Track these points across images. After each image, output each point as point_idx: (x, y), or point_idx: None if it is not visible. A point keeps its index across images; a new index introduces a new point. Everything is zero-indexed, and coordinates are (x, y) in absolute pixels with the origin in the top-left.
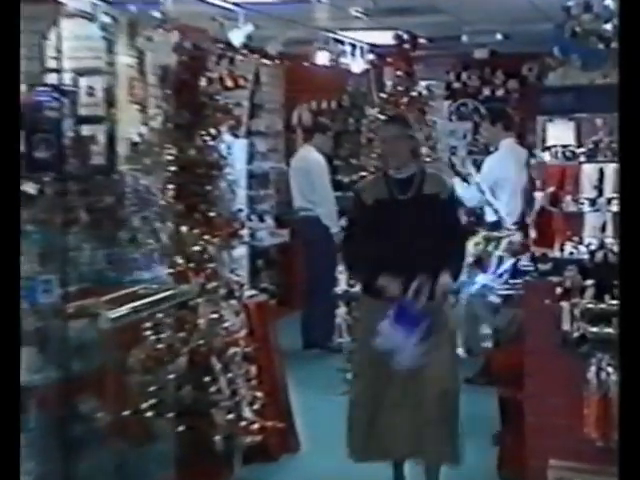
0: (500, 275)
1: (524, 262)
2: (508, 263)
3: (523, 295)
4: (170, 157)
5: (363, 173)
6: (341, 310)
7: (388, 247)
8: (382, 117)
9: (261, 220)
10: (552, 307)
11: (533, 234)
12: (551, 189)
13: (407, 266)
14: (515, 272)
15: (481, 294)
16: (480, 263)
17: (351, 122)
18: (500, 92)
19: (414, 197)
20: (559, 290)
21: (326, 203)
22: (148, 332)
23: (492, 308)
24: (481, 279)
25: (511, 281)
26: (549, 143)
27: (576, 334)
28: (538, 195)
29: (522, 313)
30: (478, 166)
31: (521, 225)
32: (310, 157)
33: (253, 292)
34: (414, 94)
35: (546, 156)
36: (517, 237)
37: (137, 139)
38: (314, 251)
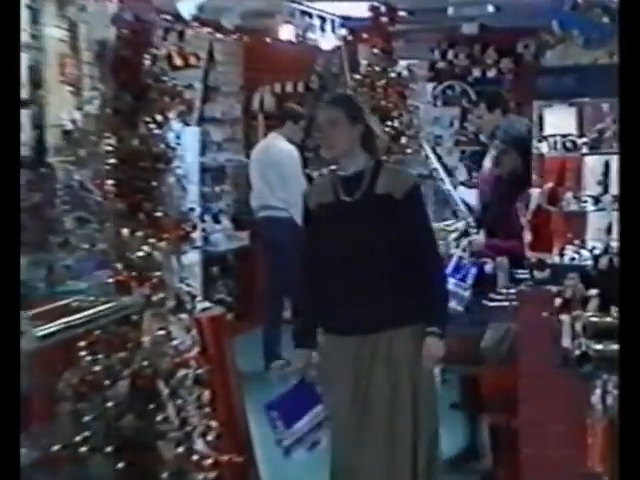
0: (463, 278)
1: (520, 270)
2: (473, 267)
3: (517, 307)
4: (109, 148)
5: (335, 166)
6: None
7: (331, 268)
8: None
9: (216, 221)
10: (550, 321)
11: (528, 237)
12: (549, 185)
13: (354, 300)
14: (481, 278)
15: None
16: None
17: None
18: (492, 73)
19: (362, 199)
20: (558, 301)
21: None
22: (83, 352)
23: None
24: None
25: (504, 290)
26: (547, 132)
27: (578, 352)
28: (534, 192)
29: (516, 328)
30: (469, 159)
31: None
32: (280, 147)
33: (207, 304)
34: (393, 75)
35: (543, 147)
36: (479, 236)
37: (69, 126)
38: (281, 257)
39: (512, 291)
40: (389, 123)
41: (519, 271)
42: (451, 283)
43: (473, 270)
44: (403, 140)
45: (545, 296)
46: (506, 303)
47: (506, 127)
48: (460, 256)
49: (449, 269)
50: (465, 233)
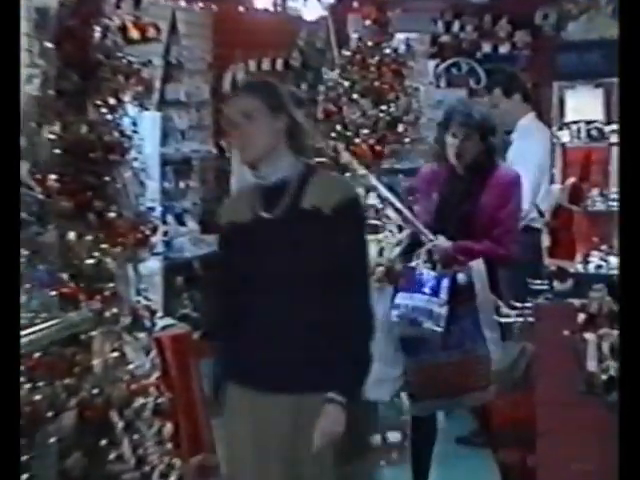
0: (434, 293)
1: (535, 279)
2: (444, 278)
3: (533, 323)
4: (52, 136)
5: (320, 159)
6: None
7: (245, 302)
8: (345, 83)
9: (180, 223)
10: (573, 340)
11: (547, 241)
12: (571, 180)
13: (268, 350)
14: (456, 289)
15: (412, 320)
16: (391, 276)
17: (303, 89)
18: (504, 48)
19: (284, 216)
20: (582, 317)
21: None
22: (21, 378)
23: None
24: (403, 299)
25: (519, 304)
26: (569, 118)
27: (605, 376)
28: (554, 189)
29: (532, 348)
30: None
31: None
32: None
33: (169, 321)
34: (388, 51)
35: (564, 136)
36: (443, 243)
37: None
38: None
39: (528, 305)
40: (383, 108)
41: (536, 282)
42: (422, 301)
43: (445, 282)
44: (400, 128)
45: (566, 311)
46: (520, 319)
47: (464, 108)
48: (420, 268)
49: (412, 285)
50: (418, 243)
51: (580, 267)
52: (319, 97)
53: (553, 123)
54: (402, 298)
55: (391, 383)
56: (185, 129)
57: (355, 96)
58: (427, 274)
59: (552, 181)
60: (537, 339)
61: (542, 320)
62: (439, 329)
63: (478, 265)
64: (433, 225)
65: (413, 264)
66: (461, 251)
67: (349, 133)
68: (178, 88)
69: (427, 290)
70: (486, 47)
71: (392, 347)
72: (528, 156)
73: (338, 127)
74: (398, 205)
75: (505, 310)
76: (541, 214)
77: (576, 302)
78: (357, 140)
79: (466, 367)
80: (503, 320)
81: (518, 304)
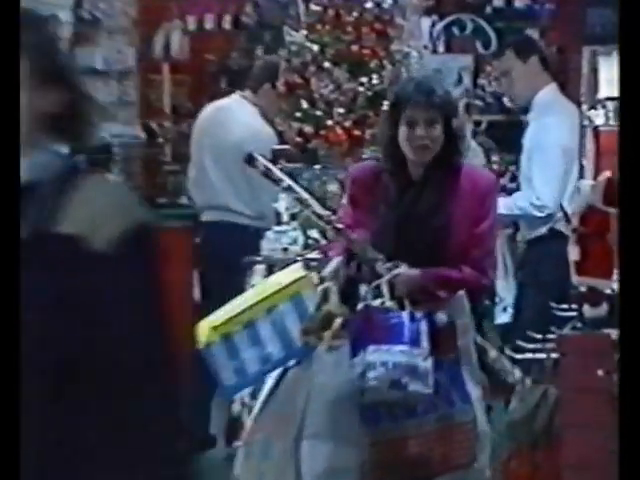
0: (414, 342)
1: (560, 303)
2: (421, 321)
3: (558, 360)
4: None
5: (283, 146)
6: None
7: None
8: (314, 47)
9: None
10: (608, 382)
11: (575, 253)
12: (606, 174)
13: None
14: (434, 335)
15: (393, 382)
16: (349, 325)
17: (259, 54)
18: (520, 2)
19: (27, 241)
20: None
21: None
22: None
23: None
24: (377, 354)
25: (539, 336)
26: (603, 93)
27: None
28: (584, 185)
29: (556, 393)
30: (488, 134)
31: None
32: (248, 125)
33: None
34: (369, 5)
35: (597, 116)
36: (409, 272)
37: None
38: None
39: (551, 336)
40: (363, 79)
41: (561, 306)
42: (402, 354)
43: (423, 325)
44: (385, 106)
45: (600, 344)
46: (541, 355)
47: (423, 82)
48: (387, 307)
49: (384, 333)
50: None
51: (617, 287)
52: (280, 65)
53: (583, 100)
54: (375, 353)
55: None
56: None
57: (326, 64)
58: (399, 316)
59: (581, 175)
60: (563, 381)
61: (569, 356)
62: (428, 391)
63: (460, 300)
64: (383, 248)
65: (376, 303)
66: (435, 282)
67: (319, 112)
68: (93, 52)
69: (405, 339)
70: (496, 0)
71: (353, 420)
72: (549, 140)
73: (305, 104)
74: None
75: (521, 343)
76: (567, 218)
77: (612, 333)
78: (329, 122)
79: (442, 438)
80: (519, 357)
81: (538, 336)
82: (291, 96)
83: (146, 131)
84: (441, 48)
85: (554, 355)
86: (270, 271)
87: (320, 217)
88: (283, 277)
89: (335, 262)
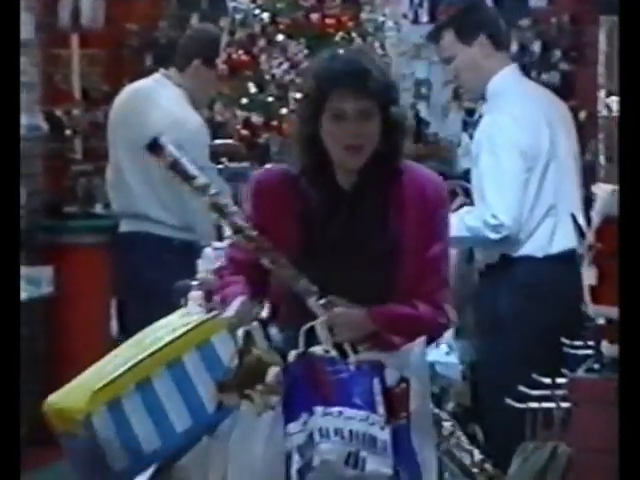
0: (368, 405)
1: (572, 339)
2: (374, 378)
3: (570, 410)
4: None
5: (225, 141)
6: None
7: None
8: (264, 15)
9: None
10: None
11: (590, 276)
12: None
13: None
14: (386, 391)
15: (350, 458)
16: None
17: (195, 24)
18: None
19: None
20: None
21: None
22: None
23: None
24: (329, 419)
25: (546, 380)
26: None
27: None
28: (602, 190)
29: (568, 451)
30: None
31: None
32: (175, 114)
33: None
34: None
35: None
36: (351, 312)
37: None
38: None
39: (561, 381)
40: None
41: (574, 343)
42: (359, 421)
43: (375, 383)
44: (302, 93)
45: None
46: (549, 404)
47: (352, 59)
48: (332, 357)
49: (332, 392)
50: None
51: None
52: (221, 38)
53: (601, 83)
54: (326, 417)
55: None
56: None
57: (280, 37)
58: (347, 369)
59: (595, 179)
60: (575, 435)
61: (584, 405)
62: (387, 470)
63: (417, 350)
64: (306, 277)
65: (319, 351)
66: (386, 323)
67: (270, 98)
68: None
69: (358, 400)
70: None
71: None
72: (501, 140)
73: (253, 88)
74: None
75: (524, 390)
76: (581, 232)
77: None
78: (284, 110)
79: None
80: (520, 406)
81: (545, 380)
82: (235, 77)
83: (49, 121)
84: (424, 17)
85: (565, 404)
86: (210, 299)
87: (240, 231)
88: (184, 319)
89: (239, 301)
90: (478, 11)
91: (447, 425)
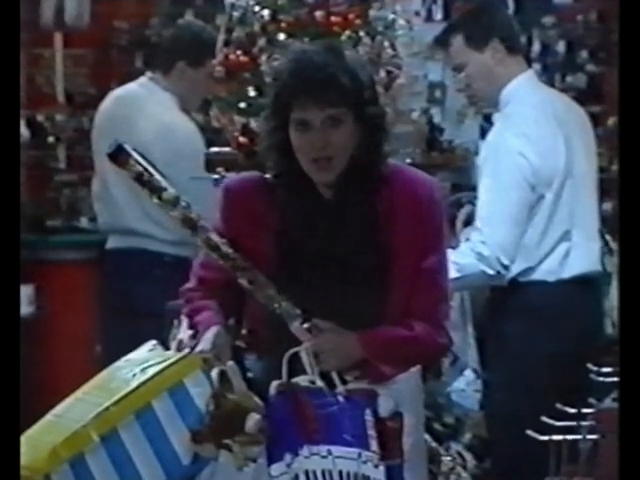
0: (362, 439)
1: (599, 366)
2: (365, 409)
3: (597, 443)
4: None
5: (221, 149)
6: None
7: None
8: (264, 13)
9: None
10: None
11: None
12: None
13: None
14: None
15: None
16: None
17: (186, 21)
18: None
19: None
20: None
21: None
22: None
23: None
24: (316, 462)
25: (571, 410)
26: None
27: None
28: None
29: None
30: None
31: None
32: (164, 121)
33: None
34: None
35: None
36: (338, 335)
37: None
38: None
39: (587, 411)
40: None
41: (601, 369)
42: (350, 459)
43: (368, 416)
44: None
45: None
46: (575, 436)
47: (320, 57)
48: (319, 387)
49: (321, 429)
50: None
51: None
52: (218, 36)
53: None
54: (313, 457)
55: None
56: None
57: (281, 36)
58: (336, 402)
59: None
60: (603, 470)
61: (612, 437)
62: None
63: (412, 380)
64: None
65: (304, 382)
66: (377, 348)
67: None
68: None
69: (349, 436)
70: None
71: None
72: (502, 155)
73: (252, 91)
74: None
75: (547, 420)
76: (609, 248)
77: None
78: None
79: None
80: (542, 438)
81: (570, 409)
82: (232, 80)
83: (31, 127)
84: (438, 15)
85: (591, 436)
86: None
87: (215, 248)
88: (153, 354)
89: (213, 332)
90: (488, 13)
91: (446, 460)
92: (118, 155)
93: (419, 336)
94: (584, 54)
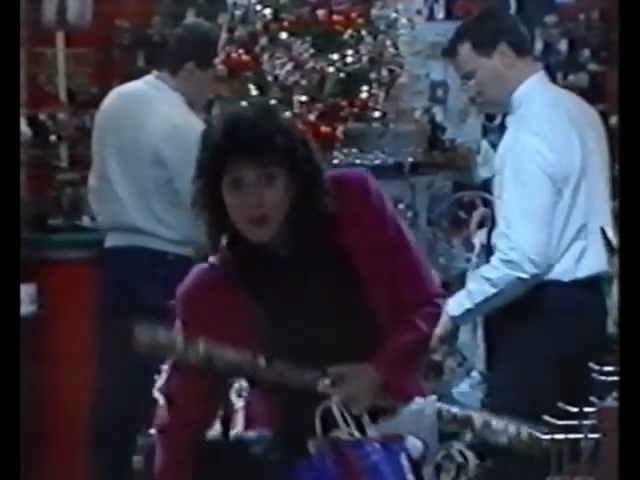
0: None
1: (602, 365)
2: (402, 454)
3: (599, 442)
4: None
5: None
6: None
7: None
8: (266, 11)
9: None
10: None
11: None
12: None
13: None
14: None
15: None
16: None
17: (190, 21)
18: None
19: None
20: None
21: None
22: None
23: None
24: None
25: (572, 408)
26: None
27: None
28: None
29: None
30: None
31: None
32: (171, 118)
33: None
34: None
35: None
36: (352, 372)
37: None
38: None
39: (588, 409)
40: (334, 56)
41: (604, 368)
42: None
43: (403, 459)
44: (364, 92)
45: None
46: (576, 435)
47: (238, 116)
48: (358, 440)
49: None
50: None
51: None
52: (220, 36)
53: None
54: None
55: None
56: None
57: (283, 35)
58: (376, 450)
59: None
60: (605, 469)
61: (614, 436)
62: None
63: (429, 410)
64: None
65: (344, 434)
66: (393, 366)
67: (273, 101)
68: None
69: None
70: None
71: None
72: (523, 159)
73: (254, 90)
74: None
75: (549, 419)
76: (611, 248)
77: None
78: (287, 114)
79: None
80: (544, 437)
81: (571, 408)
82: (235, 78)
83: (33, 125)
84: (440, 14)
85: (593, 435)
86: None
87: (208, 362)
88: None
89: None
90: (494, 18)
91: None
92: None
93: (421, 328)
94: (586, 53)
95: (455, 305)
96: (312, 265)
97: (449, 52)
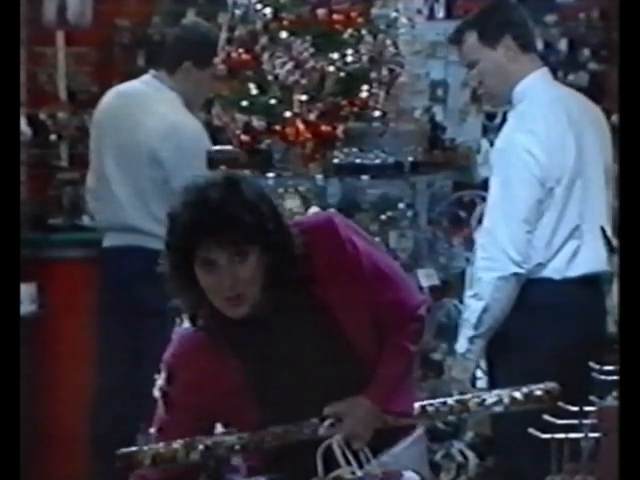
0: None
1: (601, 364)
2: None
3: (599, 441)
4: None
5: (223, 147)
6: None
7: None
8: (266, 10)
9: None
10: None
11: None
12: None
13: None
14: None
15: None
16: None
17: (189, 20)
18: None
19: None
20: None
21: None
22: None
23: None
24: None
25: (573, 407)
26: None
27: None
28: None
29: None
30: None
31: None
32: (171, 119)
33: None
34: None
35: None
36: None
37: None
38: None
39: (588, 409)
40: (334, 55)
41: (604, 367)
42: None
43: None
44: (364, 92)
45: None
46: (577, 435)
47: (205, 195)
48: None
49: None
50: None
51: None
52: (220, 35)
53: None
54: None
55: None
56: None
57: (283, 34)
58: None
59: None
60: (605, 468)
61: (614, 435)
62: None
63: (420, 445)
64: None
65: (347, 474)
66: (386, 392)
67: (273, 100)
68: None
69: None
70: None
71: None
72: (512, 158)
73: (254, 90)
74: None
75: (549, 418)
76: (610, 247)
77: None
78: (287, 113)
79: None
80: (544, 436)
81: (572, 407)
82: (234, 78)
83: (33, 125)
84: (440, 13)
85: (593, 434)
86: None
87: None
88: None
89: None
90: (503, 10)
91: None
92: None
93: (408, 348)
94: (586, 52)
95: (462, 342)
96: (293, 319)
97: (455, 39)
